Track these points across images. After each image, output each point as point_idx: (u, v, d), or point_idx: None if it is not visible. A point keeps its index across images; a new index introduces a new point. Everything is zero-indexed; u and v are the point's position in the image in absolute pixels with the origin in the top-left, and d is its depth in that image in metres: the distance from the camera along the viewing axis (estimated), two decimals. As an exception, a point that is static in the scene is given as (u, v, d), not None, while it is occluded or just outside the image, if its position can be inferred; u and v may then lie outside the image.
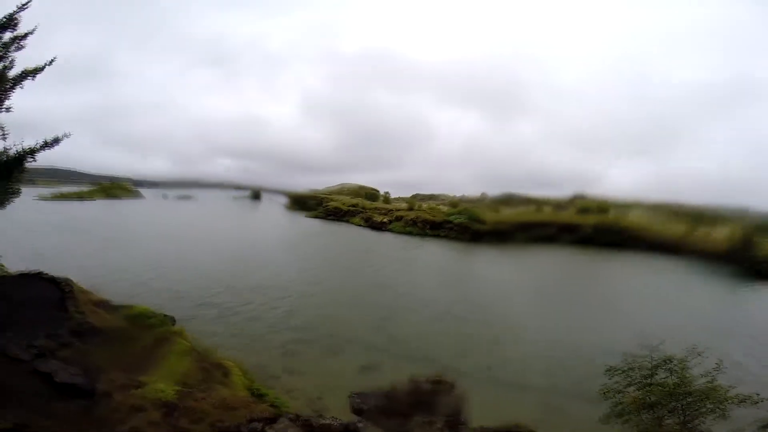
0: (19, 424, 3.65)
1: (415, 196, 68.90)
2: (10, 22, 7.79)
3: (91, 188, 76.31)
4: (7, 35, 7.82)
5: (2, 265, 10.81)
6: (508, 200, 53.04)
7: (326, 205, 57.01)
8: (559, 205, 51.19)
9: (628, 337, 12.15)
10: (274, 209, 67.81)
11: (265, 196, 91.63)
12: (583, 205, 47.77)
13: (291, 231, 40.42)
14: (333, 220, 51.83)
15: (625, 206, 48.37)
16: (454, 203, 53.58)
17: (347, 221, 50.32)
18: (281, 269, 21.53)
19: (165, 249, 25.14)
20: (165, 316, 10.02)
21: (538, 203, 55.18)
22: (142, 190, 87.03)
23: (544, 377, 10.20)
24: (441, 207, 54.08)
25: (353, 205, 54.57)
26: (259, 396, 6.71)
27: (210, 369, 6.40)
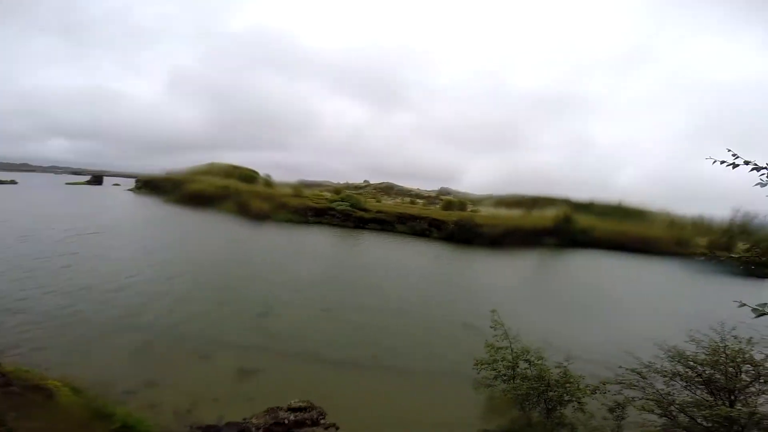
0: None
1: (301, 182, 65.93)
2: None
3: None
4: None
5: None
6: (387, 189, 55.72)
7: (187, 189, 49.09)
8: (429, 198, 56.40)
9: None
10: (118, 196, 56.48)
11: (111, 181, 76.45)
12: (447, 200, 53.38)
13: (136, 220, 34.14)
14: (197, 206, 44.66)
15: (480, 200, 56.45)
16: (338, 190, 53.43)
17: (216, 207, 44.15)
18: (121, 264, 17.72)
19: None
20: None
21: (412, 195, 59.44)
22: None
23: (425, 361, 10.45)
24: (325, 194, 53.20)
25: (224, 188, 48.16)
26: (104, 417, 5.14)
27: (21, 393, 4.61)
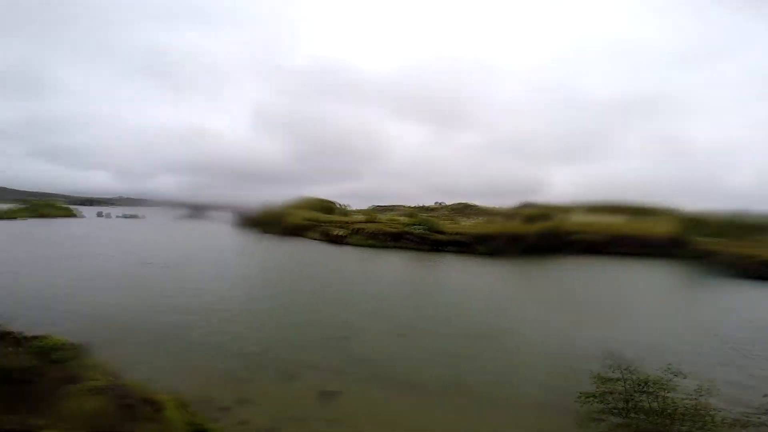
0: None
1: (374, 208, 68.38)
2: None
3: (19, 206, 68.79)
4: None
5: None
6: (463, 209, 54.22)
7: (283, 222, 54.81)
8: (507, 215, 52.84)
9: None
10: (222, 226, 64.03)
11: (212, 214, 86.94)
12: (529, 213, 49.61)
13: (238, 250, 37.93)
14: (289, 235, 49.85)
15: (568, 210, 51.31)
16: (412, 213, 53.57)
17: (304, 236, 48.62)
18: (225, 289, 19.65)
19: (92, 271, 22.36)
20: (77, 346, 8.58)
21: (489, 213, 56.62)
22: (80, 208, 79.86)
23: (511, 389, 9.67)
24: (400, 218, 53.88)
25: (309, 219, 52.81)
26: None
27: (135, 405, 5.18)
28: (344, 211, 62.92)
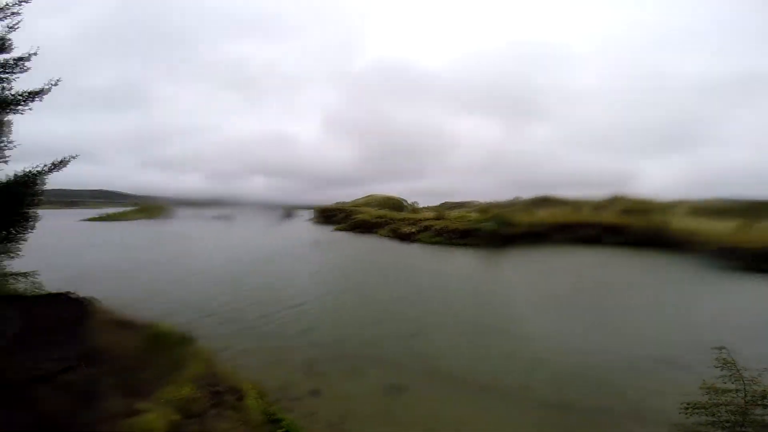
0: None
1: (444, 205, 67.80)
2: (2, 44, 8.11)
3: (133, 209, 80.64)
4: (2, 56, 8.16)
5: (40, 283, 11.02)
6: (543, 202, 50.85)
7: (353, 218, 57.07)
8: (598, 206, 47.67)
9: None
10: (302, 224, 68.85)
11: (294, 213, 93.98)
12: (626, 206, 43.99)
13: (316, 246, 40.33)
14: (360, 232, 51.65)
15: (667, 206, 44.65)
16: (484, 209, 51.79)
17: (375, 233, 49.92)
18: (306, 284, 21.19)
19: (196, 265, 25.57)
20: (184, 335, 9.74)
21: (575, 205, 51.89)
22: (179, 210, 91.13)
23: (584, 395, 9.02)
24: (470, 214, 52.57)
25: (380, 217, 54.23)
26: (275, 422, 6.20)
27: (223, 393, 5.94)
28: (414, 209, 63.63)
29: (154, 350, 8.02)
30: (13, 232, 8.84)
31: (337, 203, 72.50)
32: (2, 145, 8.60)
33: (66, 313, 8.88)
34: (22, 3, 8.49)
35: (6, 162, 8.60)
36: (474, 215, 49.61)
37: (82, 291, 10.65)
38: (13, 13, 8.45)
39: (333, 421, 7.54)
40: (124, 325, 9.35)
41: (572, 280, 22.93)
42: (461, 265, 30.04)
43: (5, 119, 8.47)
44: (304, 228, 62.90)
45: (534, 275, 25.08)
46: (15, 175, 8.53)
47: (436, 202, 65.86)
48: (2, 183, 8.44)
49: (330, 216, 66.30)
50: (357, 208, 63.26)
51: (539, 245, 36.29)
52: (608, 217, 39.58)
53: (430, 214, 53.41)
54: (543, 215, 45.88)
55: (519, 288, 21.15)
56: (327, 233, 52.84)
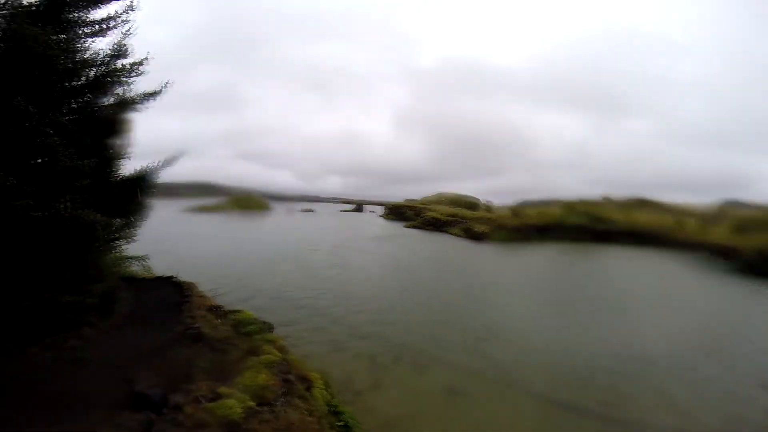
0: (88, 432, 3.90)
1: (522, 204, 64.63)
2: (120, 49, 9.08)
3: (228, 200, 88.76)
4: (120, 62, 9.15)
5: (149, 266, 12.77)
6: (639, 204, 45.39)
7: (424, 216, 57.03)
8: (705, 217, 39.62)
9: None
10: (374, 220, 70.91)
11: (368, 208, 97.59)
12: (740, 219, 34.29)
13: (388, 240, 41.09)
14: (431, 230, 51.53)
15: None
16: (571, 206, 47.93)
17: (446, 231, 49.38)
18: (375, 277, 21.78)
19: (277, 255, 27.72)
20: (264, 322, 10.55)
21: (677, 212, 44.22)
22: (271, 203, 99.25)
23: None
24: (552, 210, 49.26)
25: (452, 215, 53.55)
26: (336, 414, 6.53)
27: (293, 382, 6.39)
28: (488, 207, 61.83)
29: (237, 335, 8.90)
30: (132, 220, 10.07)
31: (407, 200, 73.26)
32: (126, 142, 9.69)
33: (170, 296, 10.24)
34: (129, 11, 9.34)
35: (129, 158, 9.79)
36: (558, 212, 46.50)
37: (182, 275, 12.24)
38: (124, 21, 9.32)
39: (390, 418, 7.71)
40: (214, 309, 10.45)
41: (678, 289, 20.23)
42: (542, 265, 28.31)
43: (128, 119, 9.52)
44: (375, 223, 64.59)
45: (635, 276, 22.66)
46: (135, 170, 9.73)
47: (514, 201, 62.89)
48: (126, 177, 9.68)
49: (401, 213, 67.34)
50: (427, 206, 63.20)
51: (638, 246, 32.55)
52: (718, 235, 32.69)
53: (507, 213, 51.53)
54: (641, 218, 40.87)
55: (615, 288, 19.30)
56: (398, 229, 53.65)
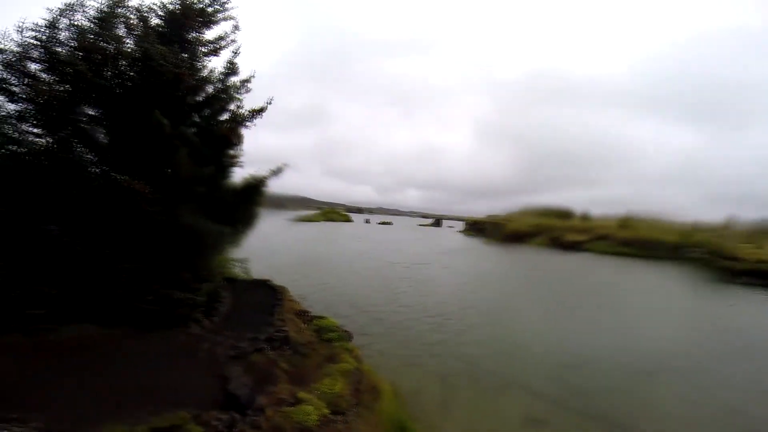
0: (176, 426, 4.51)
1: (627, 215, 57.89)
2: (232, 67, 10.02)
3: (317, 212, 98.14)
4: (231, 79, 10.05)
5: (249, 269, 14.14)
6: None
7: (504, 229, 54.74)
8: None
9: None
10: (451, 235, 69.95)
11: (447, 223, 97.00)
12: None
13: (464, 254, 40.10)
14: (512, 242, 49.30)
15: None
16: (686, 233, 40.19)
17: (527, 242, 46.66)
18: (452, 293, 21.40)
19: (359, 266, 28.97)
20: (345, 331, 11.13)
21: None
22: (351, 215, 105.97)
23: None
24: (666, 225, 43.01)
25: (536, 225, 50.65)
26: (402, 430, 6.65)
27: (364, 392, 6.74)
28: (586, 217, 56.74)
29: (319, 340, 9.60)
30: (241, 226, 10.84)
31: (488, 216, 71.49)
32: (239, 153, 10.42)
33: (264, 298, 11.27)
34: (236, 31, 10.13)
35: (242, 167, 10.59)
36: (671, 227, 40.39)
37: (276, 279, 13.46)
38: (232, 41, 10.14)
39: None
40: (301, 314, 11.35)
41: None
42: (662, 288, 25.02)
43: (240, 133, 10.15)
44: (453, 238, 63.52)
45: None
46: (245, 179, 10.50)
47: (610, 213, 56.53)
48: (240, 185, 10.52)
49: (481, 228, 65.93)
50: (508, 219, 60.40)
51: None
52: None
53: (612, 223, 46.31)
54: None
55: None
56: (476, 244, 52.17)
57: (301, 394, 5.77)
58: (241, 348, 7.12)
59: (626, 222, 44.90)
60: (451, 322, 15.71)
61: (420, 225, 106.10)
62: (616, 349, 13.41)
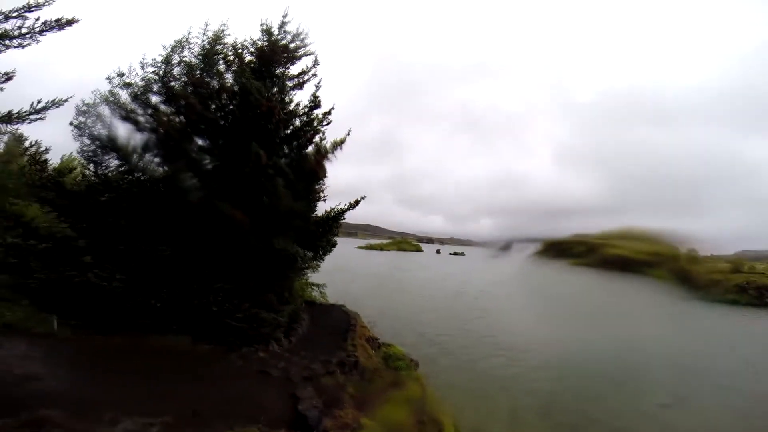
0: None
1: (741, 255, 48.35)
2: (315, 100, 10.41)
3: (388, 242, 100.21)
4: (315, 112, 10.41)
5: (325, 294, 14.76)
6: None
7: (601, 252, 47.26)
8: None
9: None
10: (527, 261, 64.67)
11: (520, 248, 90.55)
12: None
13: (547, 285, 37.14)
14: (612, 270, 41.58)
15: None
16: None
17: (641, 273, 38.96)
18: (530, 327, 20.03)
19: (427, 294, 28.65)
20: (411, 360, 11.13)
21: None
22: (423, 245, 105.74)
23: None
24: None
25: (653, 253, 41.08)
26: None
27: (425, 423, 6.67)
28: (693, 257, 46.19)
29: (386, 367, 9.71)
30: (321, 253, 11.45)
31: (575, 234, 62.40)
32: (324, 187, 10.76)
33: (338, 323, 11.58)
34: (316, 65, 10.49)
35: (324, 200, 10.85)
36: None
37: (349, 305, 13.90)
38: (314, 75, 10.54)
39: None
40: (371, 340, 11.56)
41: None
42: None
43: (325, 165, 10.05)
44: (530, 264, 58.76)
45: None
46: (326, 211, 10.97)
47: (725, 249, 47.12)
48: (322, 216, 11.01)
49: (563, 249, 58.12)
50: (607, 242, 51.38)
51: None
52: None
53: (722, 265, 39.25)
54: None
55: None
56: (560, 268, 47.10)
57: (365, 420, 5.95)
58: (313, 369, 7.50)
59: (738, 265, 37.53)
60: (529, 358, 14.81)
61: (494, 255, 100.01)
62: (718, 384, 11.36)
